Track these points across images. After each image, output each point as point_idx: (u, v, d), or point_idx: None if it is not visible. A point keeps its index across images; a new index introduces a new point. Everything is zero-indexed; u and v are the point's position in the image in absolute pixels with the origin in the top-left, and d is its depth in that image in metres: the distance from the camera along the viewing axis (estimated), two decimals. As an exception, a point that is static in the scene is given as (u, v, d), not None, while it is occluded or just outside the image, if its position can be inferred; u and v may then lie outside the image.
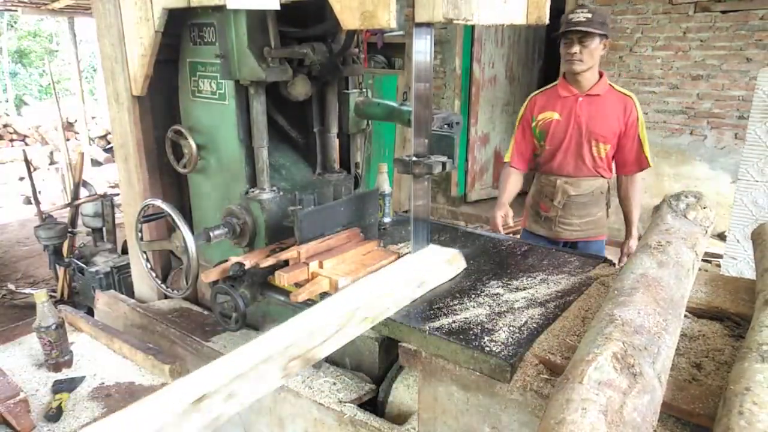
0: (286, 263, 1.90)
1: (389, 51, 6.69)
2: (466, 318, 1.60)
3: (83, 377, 1.82)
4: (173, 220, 1.92)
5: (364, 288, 1.66)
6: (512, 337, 1.49)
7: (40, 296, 1.81)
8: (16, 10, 7.94)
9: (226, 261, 1.90)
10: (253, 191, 2.06)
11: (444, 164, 1.82)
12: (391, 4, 1.40)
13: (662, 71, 5.03)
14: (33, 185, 4.28)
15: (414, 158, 1.80)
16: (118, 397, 1.72)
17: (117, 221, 3.83)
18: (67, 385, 1.77)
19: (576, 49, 2.47)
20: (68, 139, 7.83)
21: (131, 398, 1.67)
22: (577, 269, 1.97)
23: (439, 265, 1.88)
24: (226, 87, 2.00)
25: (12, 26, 14.92)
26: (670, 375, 1.22)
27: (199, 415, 1.15)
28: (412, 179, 1.84)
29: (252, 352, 1.30)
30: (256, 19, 1.83)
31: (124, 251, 3.37)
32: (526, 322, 1.58)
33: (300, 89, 2.05)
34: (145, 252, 2.20)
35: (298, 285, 1.81)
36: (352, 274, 1.80)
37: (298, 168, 2.32)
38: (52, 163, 9.22)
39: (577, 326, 1.55)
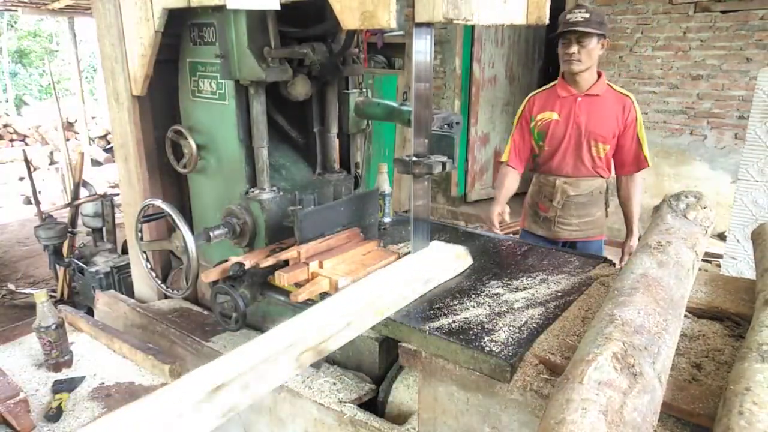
0: (286, 263, 1.90)
1: (389, 51, 6.69)
2: (466, 318, 1.60)
3: (83, 377, 1.82)
4: (173, 220, 1.92)
5: (373, 283, 1.68)
6: (512, 337, 1.49)
7: (40, 296, 1.81)
8: (16, 10, 7.94)
9: (226, 261, 1.90)
10: (253, 191, 2.06)
11: (444, 164, 1.82)
12: (391, 4, 1.40)
13: (662, 71, 5.03)
14: (33, 185, 4.28)
15: (414, 158, 1.80)
16: (118, 397, 1.72)
17: (117, 221, 3.83)
18: (67, 385, 1.77)
19: (574, 49, 2.47)
20: (68, 139, 7.83)
21: (131, 398, 1.67)
22: (577, 269, 1.97)
23: (447, 261, 1.91)
24: (226, 87, 2.00)
25: (12, 26, 14.92)
26: (670, 375, 1.22)
27: (217, 403, 1.18)
28: (412, 179, 1.84)
29: (267, 343, 1.34)
30: (256, 19, 1.83)
31: (124, 251, 3.37)
32: (526, 322, 1.58)
33: (300, 89, 2.05)
34: (145, 252, 2.20)
35: (298, 285, 1.81)
36: (352, 274, 1.80)
37: (298, 168, 2.32)
38: (52, 163, 9.21)
39: (577, 326, 1.55)
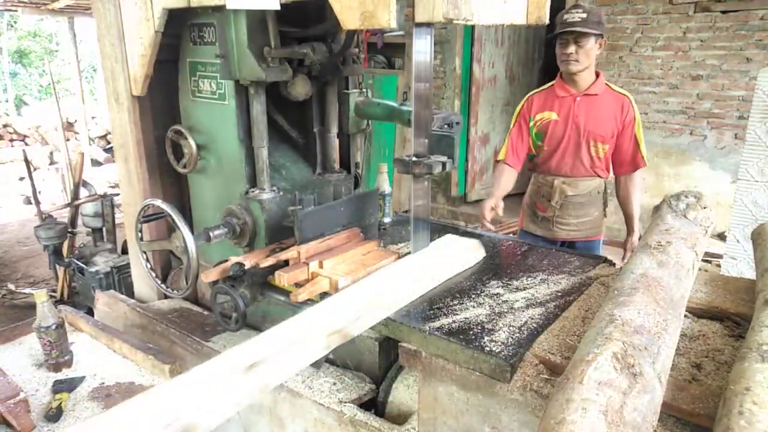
0: (286, 263, 1.90)
1: (389, 51, 6.69)
2: (466, 318, 1.60)
3: (83, 377, 1.82)
4: (173, 220, 1.92)
5: (391, 273, 1.75)
6: (512, 337, 1.49)
7: (40, 296, 1.81)
8: (16, 10, 7.93)
9: (226, 261, 1.90)
10: (253, 191, 2.06)
11: (444, 164, 1.82)
12: (391, 4, 1.40)
13: (662, 71, 5.03)
14: (33, 185, 4.28)
15: (414, 158, 1.80)
16: (118, 397, 1.72)
17: (117, 221, 3.83)
18: (67, 385, 1.77)
19: (572, 49, 2.47)
20: (68, 139, 7.83)
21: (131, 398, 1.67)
22: (577, 269, 1.97)
23: (460, 252, 1.96)
24: (226, 87, 2.00)
25: (12, 26, 14.92)
26: (670, 375, 1.22)
27: (253, 379, 1.25)
28: (412, 179, 1.84)
29: (298, 325, 1.42)
30: (256, 19, 1.83)
31: (124, 251, 3.37)
32: (526, 322, 1.58)
33: (300, 89, 2.05)
34: (145, 252, 2.20)
35: (298, 285, 1.81)
36: (352, 274, 1.80)
37: (298, 168, 2.32)
38: (52, 163, 9.21)
39: (577, 326, 1.55)
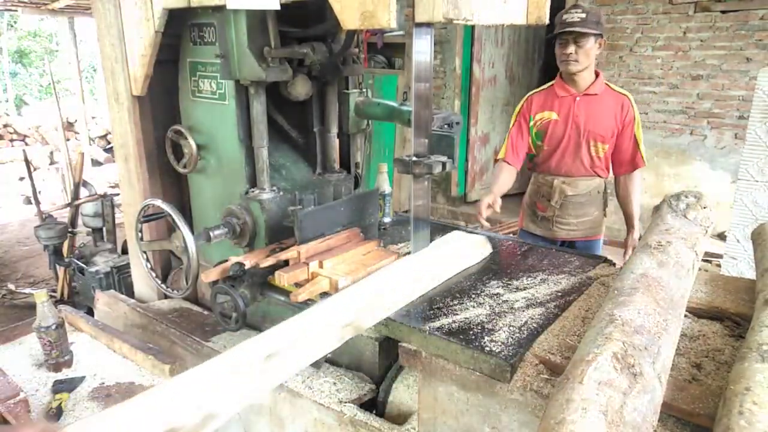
0: (286, 263, 1.90)
1: (389, 51, 6.69)
2: (466, 318, 1.60)
3: (83, 377, 1.82)
4: (173, 220, 1.92)
5: (399, 269, 1.78)
6: (512, 337, 1.49)
7: (40, 296, 1.81)
8: (16, 10, 7.93)
9: (226, 261, 1.90)
10: (253, 191, 2.06)
11: (444, 164, 1.82)
12: (391, 4, 1.40)
13: (662, 71, 5.03)
14: (33, 185, 4.28)
15: (414, 158, 1.80)
16: (118, 397, 1.72)
17: (117, 221, 3.83)
18: (67, 385, 1.77)
19: (571, 49, 2.47)
20: (68, 139, 7.83)
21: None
22: (577, 269, 1.97)
23: (467, 249, 1.99)
24: (226, 87, 2.00)
25: (12, 26, 14.92)
26: (670, 375, 1.22)
27: (271, 368, 1.30)
28: (412, 179, 1.84)
29: (314, 318, 1.46)
30: (256, 19, 1.83)
31: (124, 251, 3.37)
32: (526, 322, 1.58)
33: (300, 89, 2.06)
34: (145, 252, 2.20)
35: (298, 285, 1.81)
36: (352, 274, 1.80)
37: (298, 168, 2.32)
38: (52, 163, 9.21)
39: (577, 326, 1.55)
